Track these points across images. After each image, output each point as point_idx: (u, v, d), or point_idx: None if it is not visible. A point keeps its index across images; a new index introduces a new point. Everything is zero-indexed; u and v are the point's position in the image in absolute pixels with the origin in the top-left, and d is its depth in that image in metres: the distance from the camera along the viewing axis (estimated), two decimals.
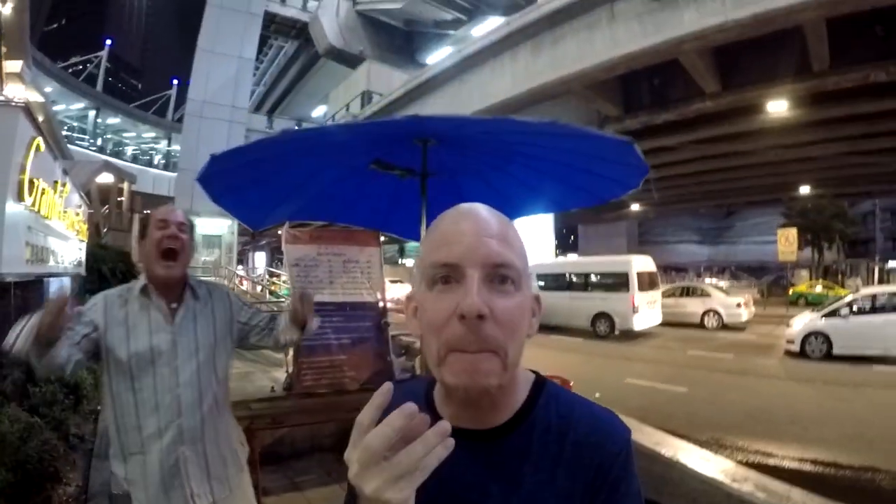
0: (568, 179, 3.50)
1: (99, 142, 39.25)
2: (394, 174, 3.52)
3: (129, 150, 42.12)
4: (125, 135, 42.82)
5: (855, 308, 12.02)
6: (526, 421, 0.78)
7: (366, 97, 30.43)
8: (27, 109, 5.18)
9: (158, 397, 1.86)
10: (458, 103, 18.57)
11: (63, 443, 4.17)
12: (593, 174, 3.29)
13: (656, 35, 12.23)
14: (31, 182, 5.09)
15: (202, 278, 2.16)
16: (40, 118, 5.50)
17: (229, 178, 3.20)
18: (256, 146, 3.09)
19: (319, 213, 4.43)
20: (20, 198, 4.86)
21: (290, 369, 4.58)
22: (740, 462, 4.74)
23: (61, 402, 4.89)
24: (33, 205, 5.25)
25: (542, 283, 18.20)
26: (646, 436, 4.17)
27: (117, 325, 1.87)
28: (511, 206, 4.13)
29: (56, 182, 6.37)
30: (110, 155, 35.01)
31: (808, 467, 5.72)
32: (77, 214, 8.31)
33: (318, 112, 44.95)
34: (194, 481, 1.90)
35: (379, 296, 5.05)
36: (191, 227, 2.03)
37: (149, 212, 2.06)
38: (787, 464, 5.80)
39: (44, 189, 5.61)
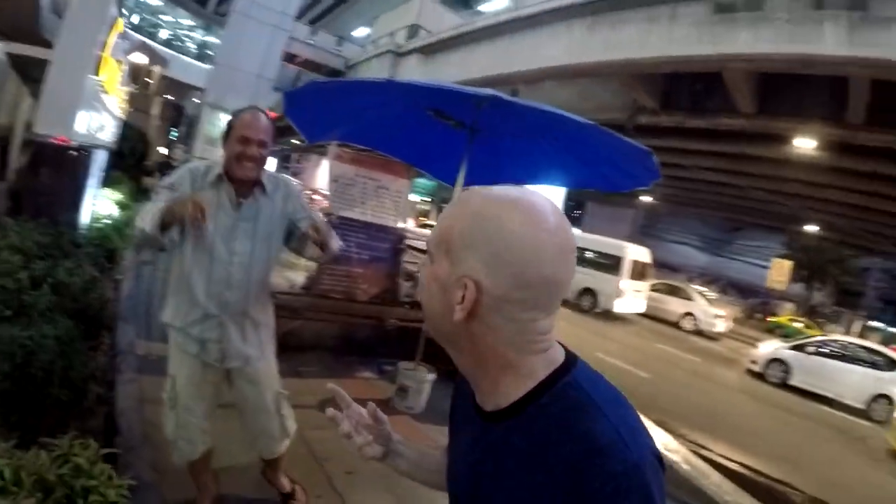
0: (594, 163, 4.00)
1: (136, 19, 38.66)
2: (447, 123, 4.01)
3: (164, 34, 41.43)
4: (162, 17, 42.01)
5: (823, 349, 12.57)
6: (519, 414, 0.75)
7: (413, 30, 29.96)
8: None
9: (212, 269, 2.13)
10: (503, 60, 18.47)
11: None
12: (616, 166, 3.78)
13: (709, 46, 12.34)
14: (107, 60, 5.52)
15: (277, 174, 2.38)
16: None
17: (307, 97, 3.68)
18: (359, 86, 3.58)
19: (368, 140, 4.85)
20: (97, 73, 5.31)
21: (312, 272, 5.09)
22: None
23: (100, 265, 5.26)
24: (105, 81, 5.70)
25: None
26: None
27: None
28: (538, 173, 4.65)
29: (119, 61, 6.78)
30: (145, 36, 34.55)
31: (733, 466, 6.37)
32: (124, 92, 8.72)
33: (361, 33, 43.90)
34: (230, 345, 2.20)
35: (401, 223, 5.58)
36: (270, 136, 2.17)
37: (234, 115, 2.20)
38: (716, 458, 6.39)
39: (112, 66, 6.03)
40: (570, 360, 0.78)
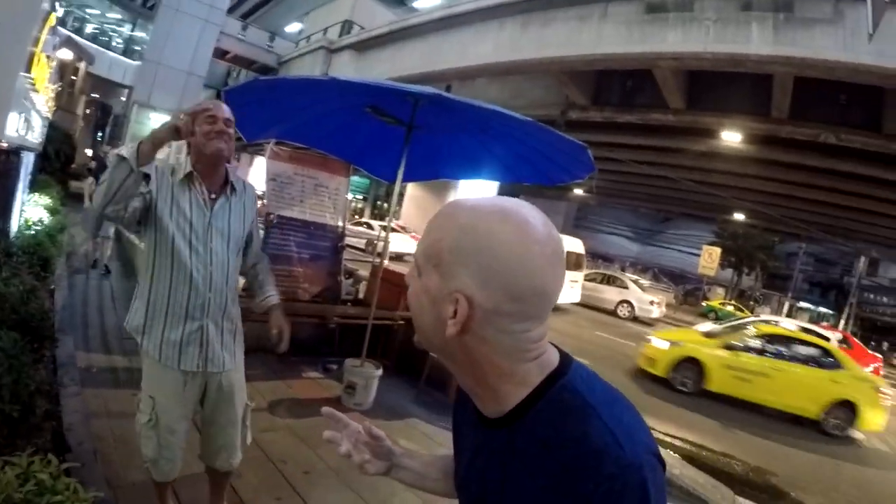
0: (529, 158, 4.13)
1: (60, 12, 36.52)
2: (384, 120, 4.07)
3: (90, 28, 39.36)
4: (88, 11, 39.93)
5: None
6: (518, 420, 0.75)
7: (346, 26, 29.61)
8: None
9: (193, 270, 2.06)
10: (435, 56, 18.51)
11: None
12: (551, 161, 3.91)
13: (639, 45, 12.80)
14: (38, 56, 5.21)
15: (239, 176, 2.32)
16: None
17: (247, 95, 3.66)
18: (298, 83, 3.57)
19: (306, 138, 4.86)
20: (28, 70, 5.00)
21: None
22: None
23: (36, 273, 4.98)
24: (34, 78, 5.38)
25: None
26: None
27: (165, 195, 2.04)
28: (475, 168, 4.76)
29: (49, 56, 6.40)
30: (70, 30, 32.73)
31: (678, 443, 6.64)
32: (51, 91, 8.26)
33: (293, 28, 42.90)
34: (211, 349, 2.14)
35: (340, 221, 5.58)
36: (232, 121, 2.15)
37: (196, 108, 2.16)
38: (660, 437, 6.64)
39: (43, 63, 5.70)
40: (565, 363, 0.78)
